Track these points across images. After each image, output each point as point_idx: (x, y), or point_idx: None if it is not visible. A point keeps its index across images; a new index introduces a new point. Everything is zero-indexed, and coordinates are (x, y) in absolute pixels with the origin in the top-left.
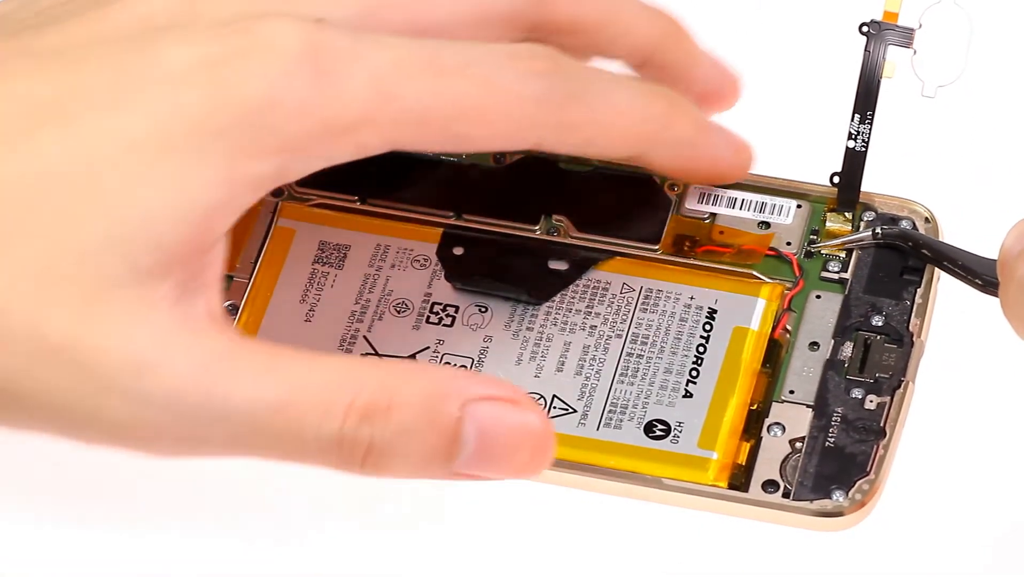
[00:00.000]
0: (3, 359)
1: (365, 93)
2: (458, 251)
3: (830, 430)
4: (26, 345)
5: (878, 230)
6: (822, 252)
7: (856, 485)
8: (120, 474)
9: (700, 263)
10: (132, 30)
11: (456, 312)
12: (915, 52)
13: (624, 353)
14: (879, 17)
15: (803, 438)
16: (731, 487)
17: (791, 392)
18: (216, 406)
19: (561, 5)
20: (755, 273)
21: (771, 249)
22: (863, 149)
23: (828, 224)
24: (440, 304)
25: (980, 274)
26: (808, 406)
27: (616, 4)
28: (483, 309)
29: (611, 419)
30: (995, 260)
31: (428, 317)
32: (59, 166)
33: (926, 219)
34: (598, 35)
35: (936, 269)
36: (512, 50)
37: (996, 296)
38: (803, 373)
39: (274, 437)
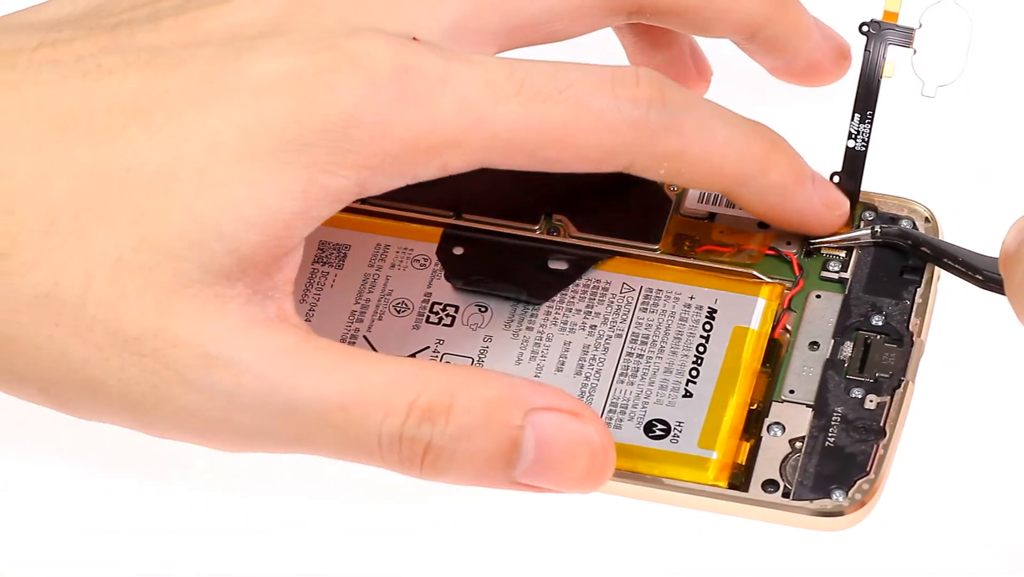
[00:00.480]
0: (81, 348)
1: (453, 116)
2: (458, 251)
3: (830, 430)
4: (103, 335)
5: (877, 228)
6: (822, 251)
7: (856, 485)
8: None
9: (700, 263)
10: (224, 37)
11: (456, 312)
12: (915, 52)
13: (624, 353)
14: (879, 17)
15: (803, 438)
16: (731, 487)
17: (791, 392)
18: (282, 400)
19: None
20: (755, 273)
21: (771, 249)
22: (863, 149)
23: None
24: (440, 304)
25: (980, 270)
26: (808, 406)
27: None
28: (483, 309)
29: (611, 419)
30: (995, 257)
31: (428, 317)
32: (141, 163)
33: (926, 219)
34: (702, 13)
35: (936, 269)
36: (614, 75)
37: (997, 292)
38: (803, 373)
39: (338, 433)
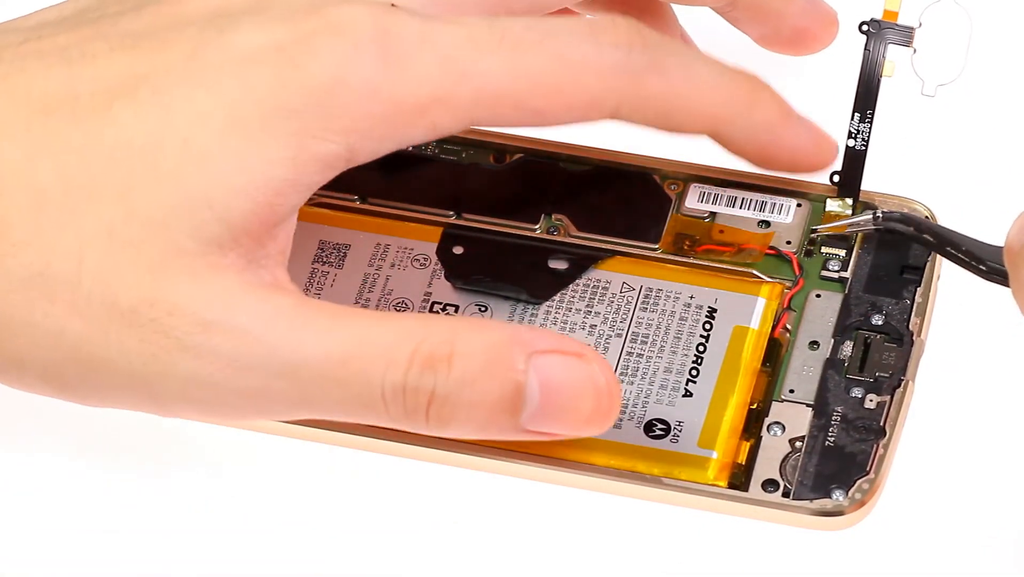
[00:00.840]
0: (80, 325)
1: (436, 73)
2: (458, 250)
3: (830, 429)
4: (100, 309)
5: (879, 213)
6: (819, 243)
7: (856, 484)
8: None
9: (700, 262)
10: (207, 15)
11: (456, 311)
12: (915, 51)
13: (624, 352)
14: (879, 16)
15: (803, 437)
16: (731, 486)
17: (791, 391)
18: (284, 361)
19: None
20: (755, 272)
21: (771, 248)
22: (863, 148)
23: (828, 207)
24: (440, 303)
25: (984, 260)
26: (808, 405)
27: None
28: (483, 308)
29: None
30: (999, 247)
31: None
32: (128, 138)
33: (926, 217)
34: None
35: (935, 269)
36: (592, 23)
37: (1001, 284)
38: (803, 372)
39: (341, 390)
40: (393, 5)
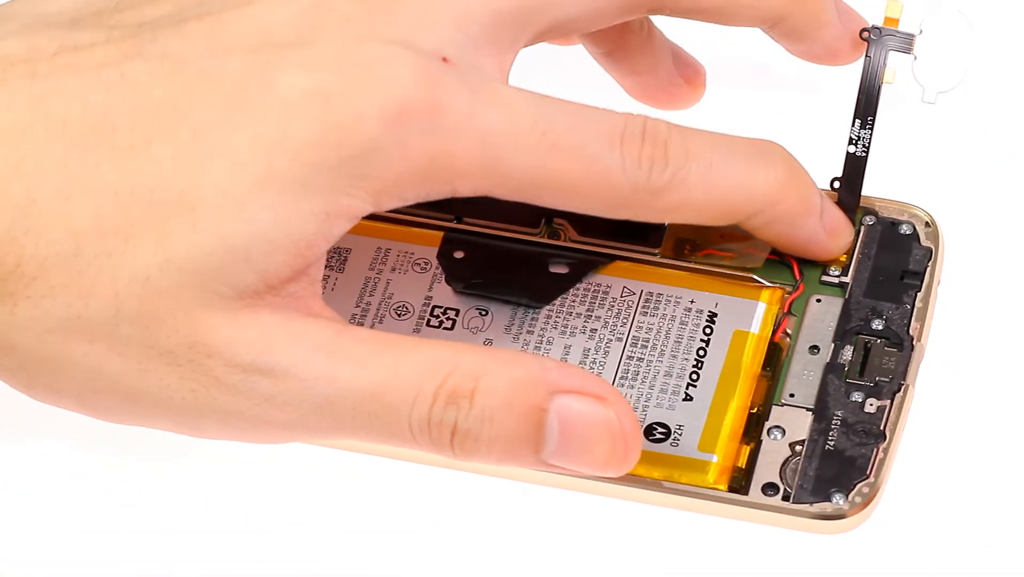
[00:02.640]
0: (119, 362)
1: (472, 155)
2: (459, 254)
3: (830, 433)
4: (138, 350)
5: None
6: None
7: (856, 488)
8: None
9: (701, 267)
10: (252, 44)
11: (457, 315)
12: (915, 58)
13: (624, 356)
14: (880, 23)
15: (803, 441)
16: (731, 490)
17: (791, 395)
18: (320, 394)
19: None
20: (755, 277)
21: (772, 253)
22: (864, 154)
23: None
24: (441, 307)
25: None
26: (808, 409)
27: None
28: (484, 312)
29: None
30: None
31: (429, 320)
32: (166, 183)
33: (927, 223)
34: (727, 9)
35: (935, 274)
36: (626, 129)
37: None
38: (803, 376)
39: (372, 421)
40: (445, 59)
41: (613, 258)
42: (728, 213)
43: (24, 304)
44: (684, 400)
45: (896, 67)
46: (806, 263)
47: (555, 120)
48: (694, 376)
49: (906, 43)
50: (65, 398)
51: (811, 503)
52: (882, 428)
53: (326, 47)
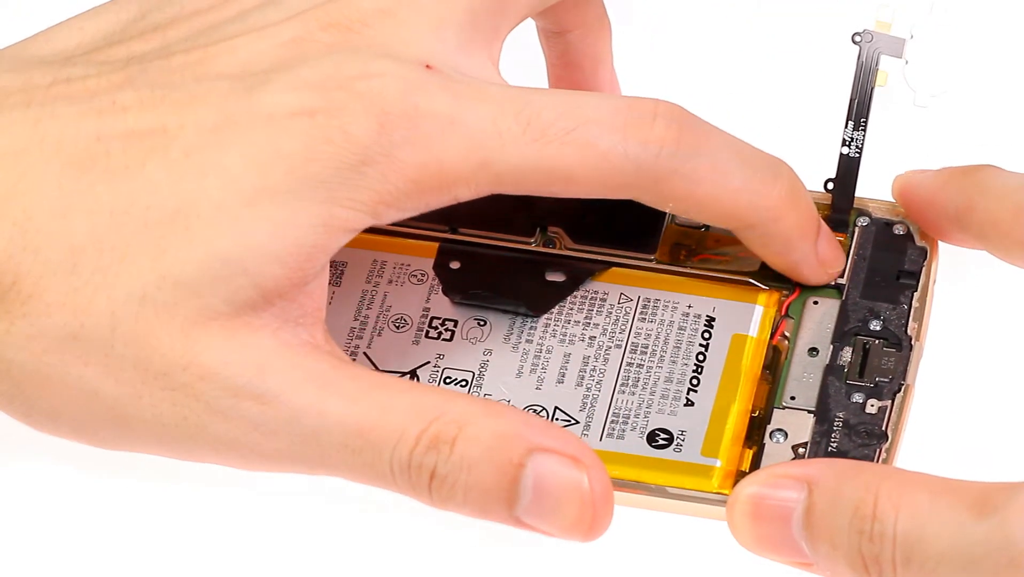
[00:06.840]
0: (113, 387)
1: (461, 157)
2: (455, 265)
3: (832, 435)
4: (133, 373)
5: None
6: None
7: None
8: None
9: (697, 271)
10: (236, 71)
11: (455, 326)
12: (907, 62)
13: (624, 363)
14: (872, 27)
15: (806, 444)
16: None
17: (792, 398)
18: (308, 426)
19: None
20: (752, 280)
21: None
22: (857, 155)
23: None
24: (439, 318)
25: None
26: (809, 412)
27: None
28: (482, 323)
29: (614, 429)
30: None
31: (427, 332)
32: (161, 200)
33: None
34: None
35: (931, 273)
36: (631, 112)
37: None
38: (803, 379)
39: (355, 459)
40: (428, 66)
41: (609, 265)
42: (728, 215)
43: (20, 323)
44: (685, 405)
45: (888, 71)
46: None
47: (540, 109)
48: (694, 381)
49: (897, 47)
50: (63, 426)
51: None
52: (884, 429)
53: (308, 70)
